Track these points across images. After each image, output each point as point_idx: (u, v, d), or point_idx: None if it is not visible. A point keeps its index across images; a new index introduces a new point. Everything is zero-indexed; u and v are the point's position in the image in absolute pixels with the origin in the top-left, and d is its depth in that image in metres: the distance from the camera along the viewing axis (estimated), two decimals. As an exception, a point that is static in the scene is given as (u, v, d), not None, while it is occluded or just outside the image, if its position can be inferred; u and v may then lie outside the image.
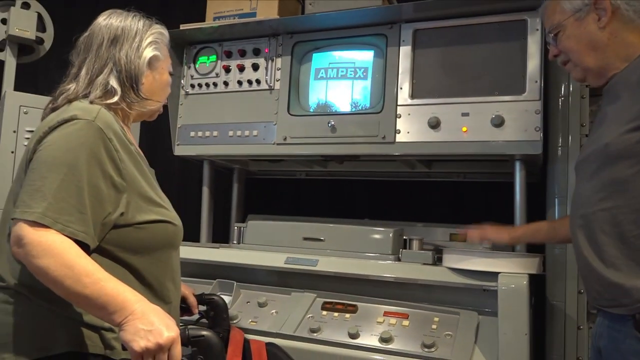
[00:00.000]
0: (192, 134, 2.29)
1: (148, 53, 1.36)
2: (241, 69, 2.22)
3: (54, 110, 1.29)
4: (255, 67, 2.21)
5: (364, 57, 2.06)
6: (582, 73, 1.40)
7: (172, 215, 1.34)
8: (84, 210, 1.13)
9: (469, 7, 1.86)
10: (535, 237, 1.67)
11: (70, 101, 1.28)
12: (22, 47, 2.53)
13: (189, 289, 1.62)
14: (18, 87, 2.45)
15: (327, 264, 1.81)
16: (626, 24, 1.30)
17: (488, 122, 1.81)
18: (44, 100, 1.36)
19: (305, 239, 1.96)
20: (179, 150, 2.33)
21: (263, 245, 2.01)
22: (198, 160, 2.46)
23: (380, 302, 1.74)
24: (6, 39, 2.47)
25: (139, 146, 1.38)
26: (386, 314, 1.69)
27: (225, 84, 2.26)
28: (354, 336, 1.61)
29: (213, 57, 2.30)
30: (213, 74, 2.29)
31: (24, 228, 1.08)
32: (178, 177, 2.94)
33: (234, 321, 1.75)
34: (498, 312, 1.52)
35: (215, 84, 2.28)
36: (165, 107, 1.55)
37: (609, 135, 1.25)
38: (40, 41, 2.56)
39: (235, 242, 2.22)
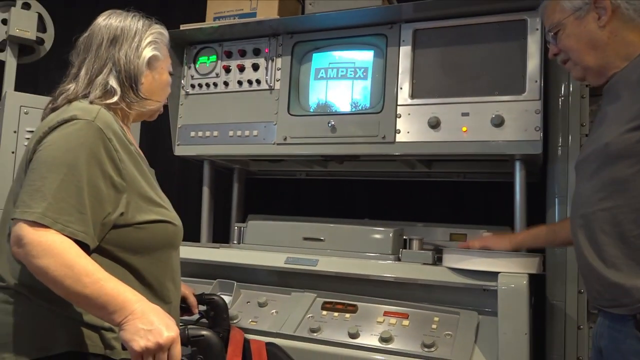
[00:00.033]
0: (193, 134, 2.29)
1: (147, 53, 1.36)
2: (241, 69, 2.23)
3: (53, 110, 1.29)
4: (256, 67, 2.21)
5: (364, 57, 2.06)
6: (581, 72, 1.39)
7: (172, 215, 1.34)
8: (83, 210, 1.13)
9: (469, 7, 1.86)
10: (536, 242, 1.67)
11: (70, 101, 1.28)
12: (23, 47, 2.54)
13: (189, 289, 1.63)
14: (18, 87, 2.45)
15: (327, 264, 1.81)
16: (626, 22, 1.30)
17: (488, 122, 1.81)
18: (44, 100, 1.36)
19: (306, 239, 1.96)
20: (179, 150, 2.33)
21: (263, 245, 2.01)
22: (198, 160, 2.46)
23: (380, 302, 1.73)
24: (7, 39, 2.47)
25: (139, 146, 1.38)
26: (386, 313, 1.69)
27: (226, 84, 2.26)
28: (354, 336, 1.61)
29: (213, 57, 2.30)
30: (213, 74, 2.29)
31: (24, 228, 1.08)
32: (178, 177, 2.94)
33: (234, 321, 1.76)
34: (498, 312, 1.52)
35: (215, 84, 2.28)
36: (165, 107, 1.55)
37: (609, 134, 1.25)
38: (40, 41, 2.56)
39: (235, 242, 2.22)
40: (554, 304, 1.83)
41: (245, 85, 2.22)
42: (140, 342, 1.02)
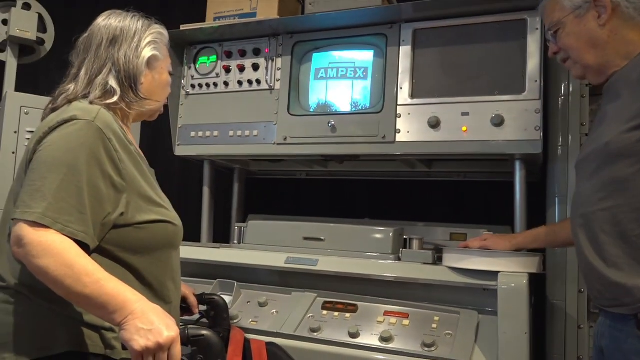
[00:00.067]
0: (193, 134, 2.30)
1: (147, 53, 1.37)
2: (241, 69, 2.23)
3: (53, 110, 1.29)
4: (256, 67, 2.21)
5: (364, 57, 2.06)
6: (581, 71, 1.39)
7: (172, 215, 1.34)
8: (83, 210, 1.13)
9: (469, 7, 1.86)
10: (536, 243, 1.67)
11: (70, 101, 1.29)
12: (23, 47, 2.54)
13: (189, 289, 1.63)
14: (19, 87, 2.45)
15: (328, 264, 1.81)
16: (626, 21, 1.29)
17: (488, 122, 1.81)
18: (44, 100, 1.37)
19: (306, 238, 1.96)
20: (180, 150, 2.33)
21: (263, 245, 2.01)
22: (198, 161, 2.46)
23: (380, 302, 1.73)
24: (7, 39, 2.47)
25: (139, 146, 1.39)
26: (386, 313, 1.69)
27: (226, 84, 2.26)
28: (354, 336, 1.61)
29: (213, 58, 2.30)
30: (213, 74, 2.30)
31: (24, 228, 1.08)
32: (179, 177, 2.94)
33: (235, 321, 1.76)
34: (498, 312, 1.52)
35: (215, 84, 2.28)
36: (165, 107, 1.55)
37: (609, 134, 1.24)
38: (41, 42, 2.57)
39: (235, 242, 2.22)
40: (555, 303, 1.83)
41: (246, 85, 2.22)
42: (140, 342, 1.03)
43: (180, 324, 1.25)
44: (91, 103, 1.27)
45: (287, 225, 2.06)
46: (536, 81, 1.78)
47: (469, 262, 1.63)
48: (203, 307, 1.65)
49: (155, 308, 1.09)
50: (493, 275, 1.57)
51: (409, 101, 1.93)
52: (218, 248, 2.07)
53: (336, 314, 1.73)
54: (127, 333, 1.04)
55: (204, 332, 1.18)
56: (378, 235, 1.87)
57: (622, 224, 1.20)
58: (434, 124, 1.87)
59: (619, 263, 1.20)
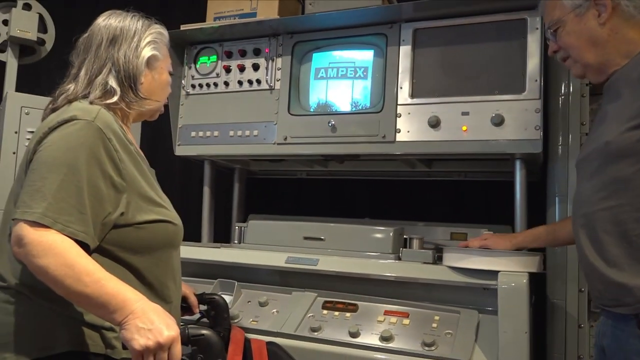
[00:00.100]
0: (193, 134, 2.30)
1: (146, 53, 1.37)
2: (242, 69, 2.23)
3: (54, 110, 1.29)
4: (256, 67, 2.21)
5: (364, 56, 2.07)
6: (582, 69, 1.39)
7: (172, 215, 1.34)
8: (83, 210, 1.13)
9: (469, 7, 1.86)
10: (536, 242, 1.67)
11: (70, 101, 1.29)
12: (24, 48, 2.54)
13: (189, 289, 1.63)
14: (19, 88, 2.46)
15: (328, 263, 1.81)
16: (627, 20, 1.29)
17: (488, 121, 1.81)
18: (45, 101, 1.37)
19: (306, 238, 1.96)
20: (180, 150, 2.33)
21: (264, 244, 2.01)
22: (199, 160, 2.47)
23: (380, 301, 1.74)
24: (7, 40, 2.48)
25: (140, 146, 1.39)
26: (387, 312, 1.70)
27: (226, 84, 2.26)
28: (354, 335, 1.61)
29: (213, 58, 2.30)
30: (214, 74, 2.30)
31: (24, 228, 1.08)
32: (179, 177, 2.95)
33: (235, 320, 1.76)
34: (498, 311, 1.52)
35: (215, 84, 2.28)
36: (166, 107, 1.55)
37: (609, 133, 1.24)
38: (41, 42, 2.57)
39: (236, 241, 2.23)
40: (555, 302, 1.83)
41: (246, 85, 2.23)
42: (140, 341, 1.03)
43: (181, 323, 1.25)
44: (91, 103, 1.28)
45: (288, 225, 2.06)
46: (536, 80, 1.78)
47: (469, 262, 1.63)
48: (203, 307, 1.65)
49: (155, 307, 1.09)
50: (493, 274, 1.57)
51: (409, 101, 1.93)
52: (218, 248, 2.07)
53: (336, 313, 1.73)
54: (127, 332, 1.05)
55: (204, 331, 1.19)
56: (378, 235, 1.88)
57: (623, 223, 1.20)
58: (434, 124, 1.88)
59: (620, 263, 1.20)
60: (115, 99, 1.31)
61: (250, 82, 2.21)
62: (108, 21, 1.37)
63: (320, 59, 2.13)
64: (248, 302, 1.86)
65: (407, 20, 1.97)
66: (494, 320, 1.54)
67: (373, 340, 1.60)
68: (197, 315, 1.65)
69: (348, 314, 1.71)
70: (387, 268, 1.77)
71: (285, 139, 2.11)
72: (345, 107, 2.07)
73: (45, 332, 1.16)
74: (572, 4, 1.33)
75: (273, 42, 2.19)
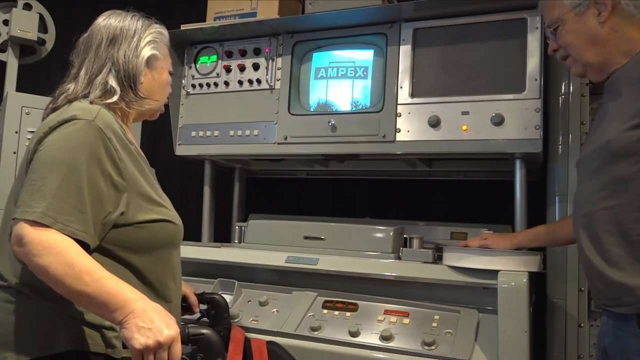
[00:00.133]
0: (193, 133, 2.30)
1: (146, 52, 1.37)
2: (242, 68, 2.23)
3: (54, 110, 1.29)
4: (256, 66, 2.21)
5: (364, 56, 2.07)
6: (582, 68, 1.38)
7: (172, 214, 1.35)
8: (84, 209, 1.13)
9: (469, 6, 1.86)
10: (536, 242, 1.67)
11: (70, 101, 1.29)
12: (24, 48, 2.54)
13: (189, 288, 1.63)
14: (20, 87, 2.46)
15: (328, 263, 1.81)
16: (627, 19, 1.29)
17: (488, 121, 1.81)
18: (45, 101, 1.37)
19: (306, 237, 1.96)
20: (180, 150, 2.34)
21: (264, 244, 2.02)
22: (199, 160, 2.47)
23: (380, 301, 1.74)
24: (8, 40, 2.48)
25: (140, 146, 1.39)
26: (387, 312, 1.70)
27: (226, 83, 2.26)
28: (354, 334, 1.62)
29: (214, 57, 2.30)
30: (214, 74, 2.30)
31: (24, 227, 1.08)
32: (179, 176, 2.95)
33: (235, 320, 1.76)
34: (498, 310, 1.52)
35: (216, 84, 2.28)
36: (166, 106, 1.55)
37: (610, 132, 1.24)
38: (42, 42, 2.57)
39: (236, 241, 2.23)
40: (555, 302, 1.83)
41: (246, 85, 2.23)
42: (140, 340, 1.03)
43: (181, 322, 1.25)
44: (91, 103, 1.28)
45: (288, 225, 2.06)
46: (536, 80, 1.78)
47: (469, 261, 1.63)
48: (204, 306, 1.65)
49: (155, 307, 1.10)
50: (493, 274, 1.57)
51: (409, 100, 1.93)
52: (219, 247, 2.07)
53: (336, 312, 1.73)
54: (127, 332, 1.05)
55: (204, 330, 1.19)
56: (378, 234, 1.88)
57: (623, 223, 1.20)
58: (434, 123, 1.88)
59: (621, 263, 1.20)
60: (115, 98, 1.31)
61: (250, 81, 2.22)
62: (108, 21, 1.37)
63: (321, 59, 2.13)
64: (248, 301, 1.87)
65: (407, 19, 1.97)
66: (494, 319, 1.54)
67: (373, 339, 1.60)
68: (198, 315, 1.65)
69: (348, 314, 1.72)
70: (387, 267, 1.77)
71: (286, 138, 2.11)
72: (346, 106, 2.07)
73: (45, 331, 1.16)
74: (571, 2, 1.33)
75: (273, 42, 2.19)
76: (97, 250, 1.20)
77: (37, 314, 1.17)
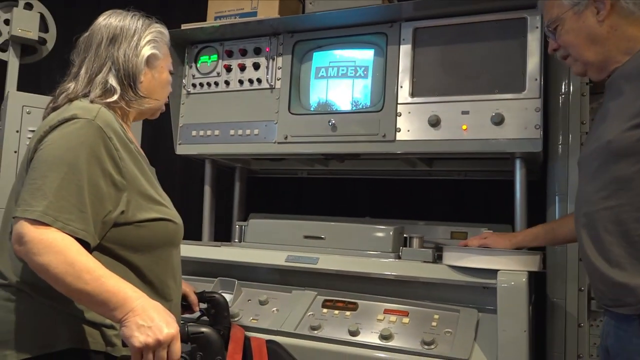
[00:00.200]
0: (194, 133, 2.30)
1: (146, 51, 1.37)
2: (242, 68, 2.23)
3: (54, 109, 1.30)
4: (256, 66, 2.22)
5: (365, 55, 2.07)
6: (582, 67, 1.38)
7: (172, 213, 1.35)
8: (84, 208, 1.14)
9: (469, 6, 1.86)
10: (535, 241, 1.67)
11: (70, 100, 1.29)
12: (25, 47, 2.54)
13: (189, 287, 1.63)
14: (21, 87, 2.46)
15: (328, 262, 1.81)
16: (626, 16, 1.28)
17: (488, 120, 1.81)
18: (46, 100, 1.37)
19: (306, 237, 1.96)
20: (181, 149, 2.34)
21: (264, 243, 2.02)
22: (200, 159, 2.47)
23: (380, 300, 1.74)
24: (9, 39, 2.48)
25: (141, 145, 1.40)
26: (386, 311, 1.70)
27: (227, 83, 2.27)
28: (354, 334, 1.62)
29: (214, 57, 2.31)
30: (214, 73, 2.30)
31: (25, 226, 1.09)
32: (180, 176, 2.95)
33: (235, 319, 1.76)
34: (497, 310, 1.52)
35: (216, 83, 2.29)
36: (167, 106, 1.56)
37: (611, 131, 1.24)
38: (42, 41, 2.57)
39: (236, 240, 2.23)
40: (555, 301, 1.84)
41: (246, 85, 2.23)
42: (140, 339, 1.03)
43: (181, 321, 1.26)
44: (92, 102, 1.28)
45: (288, 224, 2.06)
46: (536, 79, 1.78)
47: (468, 261, 1.63)
48: (204, 305, 1.65)
49: (155, 305, 1.10)
50: (493, 273, 1.57)
51: (409, 100, 1.93)
52: (219, 246, 2.08)
53: (336, 312, 1.73)
54: (127, 330, 1.05)
55: (204, 329, 1.19)
56: (378, 234, 1.88)
57: (625, 223, 1.19)
58: (434, 123, 1.88)
59: (622, 263, 1.19)
60: (115, 97, 1.31)
61: (250, 81, 2.22)
62: (108, 20, 1.37)
63: (321, 58, 2.13)
64: (248, 300, 1.87)
65: (407, 19, 1.97)
66: (494, 319, 1.54)
67: (373, 338, 1.60)
68: (198, 314, 1.65)
69: (348, 313, 1.72)
70: (387, 267, 1.77)
71: (286, 138, 2.11)
72: (346, 106, 2.07)
73: (45, 329, 1.17)
74: (570, 2, 1.33)
75: (273, 41, 2.19)
76: (98, 248, 1.20)
77: (37, 312, 1.18)
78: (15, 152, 2.28)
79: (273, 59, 2.19)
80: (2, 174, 2.23)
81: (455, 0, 1.85)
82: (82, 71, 1.33)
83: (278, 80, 2.17)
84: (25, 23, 2.48)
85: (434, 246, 1.95)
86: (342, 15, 2.03)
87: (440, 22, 1.93)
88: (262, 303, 1.84)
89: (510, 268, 1.57)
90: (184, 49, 2.36)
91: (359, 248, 1.87)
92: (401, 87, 1.95)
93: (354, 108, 2.05)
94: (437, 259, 1.78)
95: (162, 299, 1.28)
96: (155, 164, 1.43)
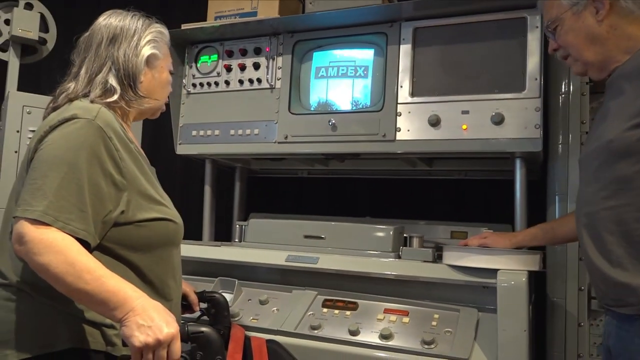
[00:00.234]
0: (194, 133, 2.30)
1: (146, 51, 1.37)
2: (242, 68, 2.23)
3: (55, 109, 1.30)
4: (257, 66, 2.22)
5: (365, 55, 2.07)
6: (582, 67, 1.38)
7: (172, 213, 1.35)
8: (84, 208, 1.14)
9: (469, 5, 1.86)
10: (535, 241, 1.67)
11: (70, 100, 1.30)
12: (25, 47, 2.55)
13: (190, 287, 1.64)
14: (21, 87, 2.47)
15: (328, 262, 1.81)
16: (626, 15, 1.28)
17: (488, 120, 1.81)
18: (47, 100, 1.38)
19: (306, 237, 1.97)
20: (181, 149, 2.34)
21: (264, 243, 2.02)
22: (200, 159, 2.47)
23: (380, 300, 1.74)
24: (9, 39, 2.48)
25: (141, 145, 1.40)
26: (386, 311, 1.70)
27: (227, 83, 2.27)
28: (354, 333, 1.62)
29: (214, 57, 2.31)
30: (214, 73, 2.30)
31: (25, 226, 1.09)
32: (180, 176, 2.95)
33: (236, 319, 1.76)
34: (497, 309, 1.52)
35: (216, 83, 2.29)
36: (167, 105, 1.56)
37: (612, 131, 1.23)
38: (43, 41, 2.58)
39: (237, 240, 2.23)
40: (555, 301, 1.84)
41: (247, 84, 2.23)
42: (140, 338, 1.04)
43: (181, 321, 1.26)
44: (92, 102, 1.28)
45: (288, 224, 2.06)
46: (536, 79, 1.78)
47: (468, 260, 1.63)
48: (204, 305, 1.66)
49: (155, 305, 1.10)
50: (492, 272, 1.57)
51: (409, 99, 1.93)
52: (219, 246, 2.08)
53: (336, 311, 1.73)
54: (127, 329, 1.05)
55: (204, 328, 1.19)
56: (378, 233, 1.88)
57: (626, 223, 1.19)
58: (434, 122, 1.88)
59: (624, 263, 1.19)
60: (115, 97, 1.31)
61: (251, 81, 2.22)
62: (108, 20, 1.38)
63: (321, 58, 2.14)
64: (248, 300, 1.87)
65: (407, 19, 1.97)
66: (494, 318, 1.54)
67: (373, 338, 1.60)
68: (198, 313, 1.65)
69: (348, 312, 1.72)
70: (387, 266, 1.77)
71: (286, 137, 2.12)
72: (346, 106, 2.07)
73: (46, 329, 1.17)
74: (569, 2, 1.33)
75: (274, 41, 2.19)
76: (98, 248, 1.20)
77: (37, 312, 1.18)
78: (16, 152, 2.28)
79: (273, 59, 2.19)
80: (3, 174, 2.23)
81: (455, 0, 1.86)
82: (82, 71, 1.33)
83: (278, 80, 2.17)
84: (26, 23, 2.48)
85: (434, 246, 1.95)
86: (342, 15, 2.03)
87: (440, 22, 1.93)
88: (262, 303, 1.84)
89: (510, 267, 1.57)
90: (184, 49, 2.36)
91: (359, 248, 1.87)
92: (401, 86, 1.95)
93: (354, 108, 2.05)
94: (437, 258, 1.78)
95: (163, 298, 1.29)
96: (156, 164, 1.43)
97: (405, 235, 1.89)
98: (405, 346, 1.55)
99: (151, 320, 1.06)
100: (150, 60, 1.39)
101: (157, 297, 1.23)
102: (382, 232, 1.87)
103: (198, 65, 2.34)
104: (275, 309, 1.80)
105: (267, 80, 2.18)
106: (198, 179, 2.66)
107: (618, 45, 1.29)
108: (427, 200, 2.55)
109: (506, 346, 1.48)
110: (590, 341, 1.80)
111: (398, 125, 1.94)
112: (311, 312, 1.74)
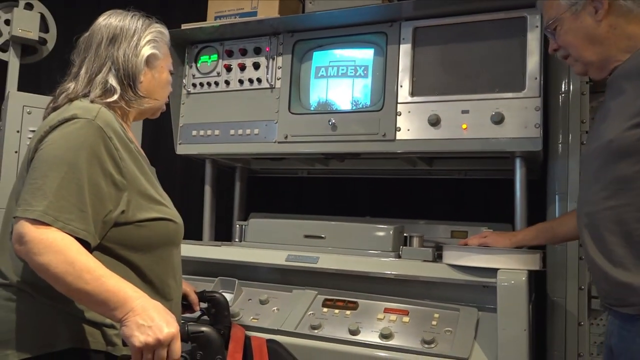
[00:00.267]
0: (194, 132, 2.30)
1: (146, 51, 1.38)
2: (242, 67, 2.23)
3: (55, 109, 1.30)
4: (256, 65, 2.22)
5: (364, 55, 2.07)
6: (583, 67, 1.38)
7: (172, 213, 1.35)
8: (84, 208, 1.14)
9: (469, 5, 1.86)
10: (535, 240, 1.67)
11: (70, 100, 1.30)
12: (25, 47, 2.55)
13: (190, 287, 1.64)
14: (21, 87, 2.47)
15: (328, 261, 1.82)
16: (625, 15, 1.28)
17: (488, 120, 1.81)
18: (47, 100, 1.38)
19: (307, 236, 1.97)
20: (181, 149, 2.34)
21: (265, 243, 2.02)
22: (200, 159, 2.47)
23: (380, 299, 1.74)
24: (9, 39, 2.49)
25: (141, 145, 1.40)
26: (386, 310, 1.70)
27: (227, 83, 2.27)
28: (354, 333, 1.62)
29: (214, 57, 2.31)
30: (214, 73, 2.30)
31: (25, 226, 1.09)
32: (180, 175, 2.96)
33: (236, 318, 1.77)
34: (497, 309, 1.52)
35: (216, 83, 2.29)
36: (167, 105, 1.56)
37: (612, 131, 1.23)
38: (43, 42, 2.58)
39: (237, 240, 2.23)
40: (555, 300, 1.84)
41: (247, 84, 2.23)
42: (140, 338, 1.04)
43: (181, 320, 1.26)
44: (92, 102, 1.28)
45: (288, 223, 2.06)
46: (536, 79, 1.78)
47: (468, 260, 1.63)
48: (204, 305, 1.66)
49: (156, 305, 1.10)
50: (492, 272, 1.57)
51: (409, 99, 1.93)
52: (219, 246, 2.08)
53: (336, 311, 1.73)
54: (127, 329, 1.06)
55: (204, 328, 1.19)
56: (378, 233, 1.88)
57: (626, 223, 1.19)
58: (434, 122, 1.88)
59: (625, 263, 1.19)
60: (115, 97, 1.31)
61: (251, 80, 2.22)
62: (108, 20, 1.38)
63: (321, 58, 2.14)
64: (249, 300, 1.87)
65: (407, 18, 1.97)
66: (494, 317, 1.54)
67: (373, 337, 1.60)
68: (198, 313, 1.65)
69: (348, 312, 1.72)
70: (387, 266, 1.77)
71: (286, 137, 2.12)
72: (346, 105, 2.07)
73: (46, 329, 1.17)
74: (567, 2, 1.33)
75: (274, 41, 2.19)
76: (98, 248, 1.20)
77: (38, 312, 1.18)
78: (16, 152, 2.28)
79: (273, 59, 2.19)
80: (3, 174, 2.23)
81: (455, 0, 1.85)
82: (82, 71, 1.33)
83: (278, 79, 2.17)
84: (26, 23, 2.48)
85: (434, 245, 1.95)
86: (342, 14, 2.03)
87: (440, 22, 1.93)
88: (262, 302, 1.84)
89: (510, 267, 1.57)
90: (184, 49, 2.36)
91: (359, 247, 1.87)
92: (401, 86, 1.95)
93: (354, 107, 2.05)
94: (437, 258, 1.78)
95: (163, 298, 1.29)
96: (156, 163, 1.43)
97: (405, 234, 1.89)
98: (406, 346, 1.55)
99: (151, 320, 1.06)
100: (150, 60, 1.39)
101: (157, 297, 1.23)
102: (382, 231, 1.87)
103: (198, 65, 2.34)
104: (275, 308, 1.81)
105: (267, 80, 2.19)
106: (198, 179, 2.66)
107: (618, 45, 1.29)
108: (427, 199, 2.55)
109: (506, 345, 1.48)
110: (591, 340, 1.81)
111: (398, 125, 1.94)
112: (311, 312, 1.75)
